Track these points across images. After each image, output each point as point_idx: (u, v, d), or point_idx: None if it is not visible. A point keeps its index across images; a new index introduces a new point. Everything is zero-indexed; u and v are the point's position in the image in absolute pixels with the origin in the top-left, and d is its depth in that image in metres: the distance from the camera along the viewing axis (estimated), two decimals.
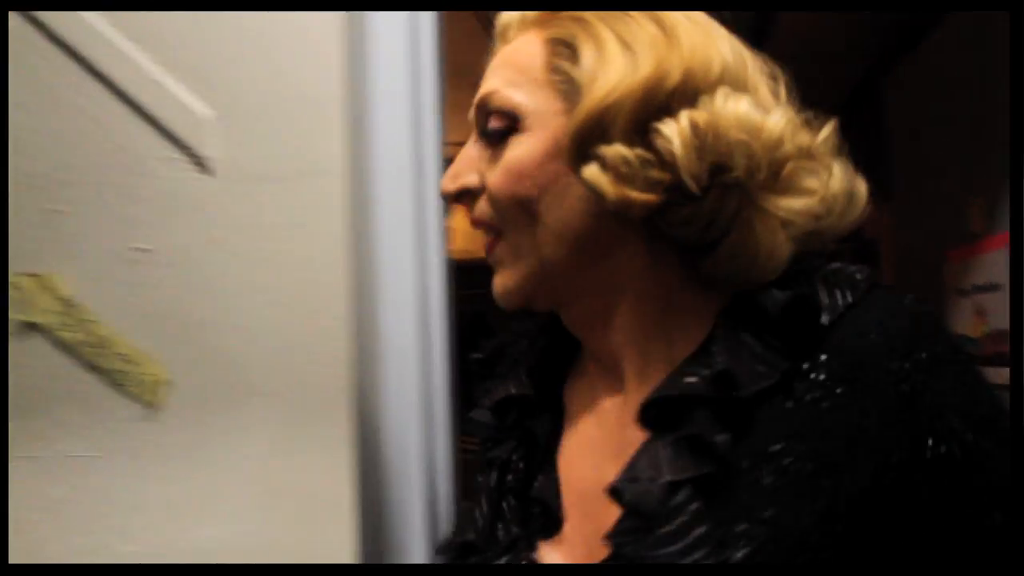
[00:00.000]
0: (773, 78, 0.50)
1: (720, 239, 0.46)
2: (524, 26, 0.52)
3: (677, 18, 0.47)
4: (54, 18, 0.84)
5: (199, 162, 0.83)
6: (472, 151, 0.52)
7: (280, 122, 0.83)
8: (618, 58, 0.45)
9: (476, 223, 0.53)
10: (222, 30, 0.84)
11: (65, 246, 0.85)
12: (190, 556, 0.82)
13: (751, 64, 0.49)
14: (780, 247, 0.45)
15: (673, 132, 0.43)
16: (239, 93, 0.84)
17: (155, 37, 0.84)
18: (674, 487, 0.42)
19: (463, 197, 0.53)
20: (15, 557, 0.83)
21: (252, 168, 0.83)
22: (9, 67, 0.85)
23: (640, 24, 0.46)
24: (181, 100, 0.83)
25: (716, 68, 0.46)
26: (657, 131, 0.44)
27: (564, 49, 0.48)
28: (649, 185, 0.44)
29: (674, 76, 0.45)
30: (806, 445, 0.41)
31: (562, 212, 0.48)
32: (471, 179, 0.52)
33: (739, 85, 0.46)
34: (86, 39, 0.84)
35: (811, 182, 0.46)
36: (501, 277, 0.53)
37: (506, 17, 0.54)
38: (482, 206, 0.52)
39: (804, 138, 0.46)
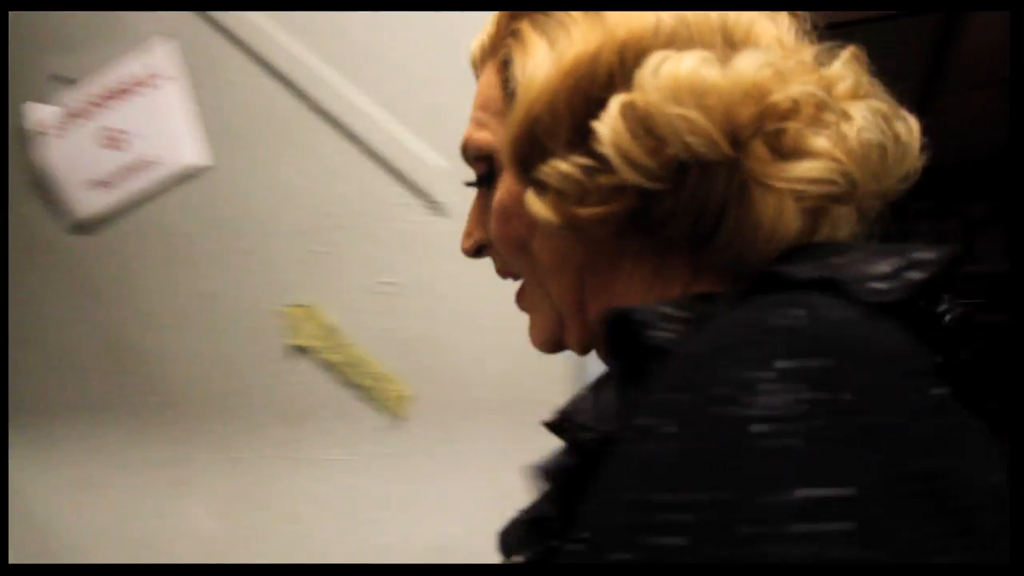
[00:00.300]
0: (772, 20, 0.39)
1: (718, 225, 0.37)
2: (483, 60, 0.47)
3: None
4: (318, 93, 1.02)
5: (435, 206, 0.97)
6: (477, 204, 0.48)
7: None
8: (542, 57, 0.39)
9: (501, 275, 0.50)
10: (453, 89, 0.98)
11: (326, 281, 1.01)
12: (429, 550, 0.93)
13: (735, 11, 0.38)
14: (784, 222, 0.35)
15: (605, 126, 0.35)
16: None
17: (396, 99, 1.00)
18: (531, 524, 0.39)
19: (482, 252, 0.49)
20: (286, 546, 0.98)
21: None
22: (283, 138, 1.04)
23: (564, 12, 0.40)
24: (418, 154, 0.98)
25: (664, 30, 0.37)
26: (592, 130, 0.36)
27: (508, 69, 0.43)
28: (607, 195, 0.36)
29: (604, 57, 0.37)
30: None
31: (554, 244, 0.42)
32: (480, 234, 0.48)
33: (702, 39, 0.37)
34: (342, 108, 1.01)
35: (817, 140, 0.35)
36: (530, 327, 0.49)
37: (471, 57, 0.50)
38: (497, 257, 0.48)
39: (804, 84, 0.35)
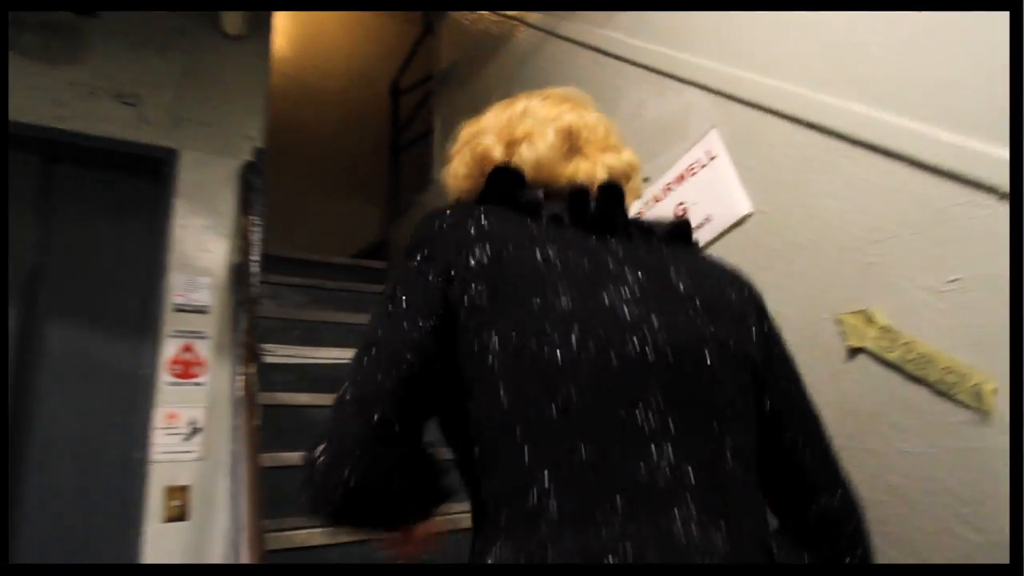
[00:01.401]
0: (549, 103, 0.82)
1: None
2: None
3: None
4: (850, 127, 1.15)
5: (1000, 196, 0.96)
6: None
7: None
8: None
9: None
10: (976, 78, 0.99)
11: (879, 287, 1.09)
12: None
13: (516, 114, 0.81)
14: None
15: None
16: None
17: (928, 107, 1.05)
18: None
19: None
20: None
21: None
22: (824, 175, 1.19)
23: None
24: (979, 151, 0.99)
25: (481, 128, 0.82)
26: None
27: None
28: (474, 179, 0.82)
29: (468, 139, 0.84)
30: None
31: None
32: None
33: (496, 128, 0.80)
34: (879, 132, 1.12)
35: (521, 152, 0.79)
36: None
37: None
38: None
39: (514, 133, 0.79)
